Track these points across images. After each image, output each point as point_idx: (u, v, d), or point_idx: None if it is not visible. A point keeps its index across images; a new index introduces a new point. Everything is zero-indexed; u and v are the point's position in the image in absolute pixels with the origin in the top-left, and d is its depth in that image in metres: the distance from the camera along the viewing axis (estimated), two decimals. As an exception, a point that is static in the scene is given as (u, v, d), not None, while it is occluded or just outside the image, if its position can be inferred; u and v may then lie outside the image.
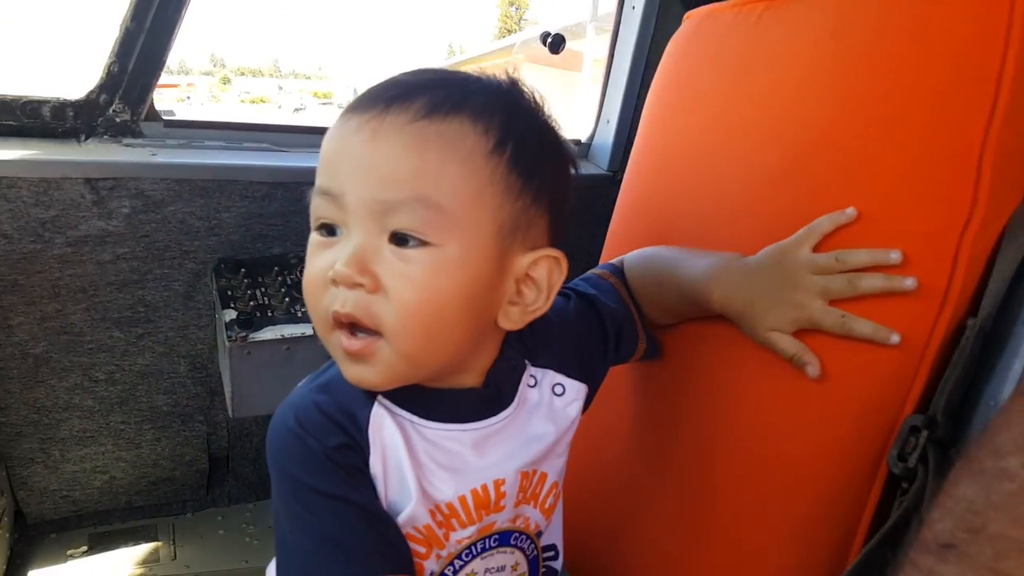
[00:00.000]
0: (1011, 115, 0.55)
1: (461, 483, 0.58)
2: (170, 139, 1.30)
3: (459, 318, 0.53)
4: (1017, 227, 0.56)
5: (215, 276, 1.26)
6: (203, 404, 1.42)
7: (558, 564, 0.71)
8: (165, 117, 1.32)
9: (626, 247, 0.80)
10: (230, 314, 1.17)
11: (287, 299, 1.22)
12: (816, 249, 0.61)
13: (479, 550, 0.61)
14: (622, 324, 0.72)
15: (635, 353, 0.74)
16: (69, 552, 1.36)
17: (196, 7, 1.23)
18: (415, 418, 0.57)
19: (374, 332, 0.52)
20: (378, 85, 0.55)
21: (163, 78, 1.29)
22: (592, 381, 0.69)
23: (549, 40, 1.49)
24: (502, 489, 0.60)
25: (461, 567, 0.61)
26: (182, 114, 1.31)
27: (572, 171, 0.61)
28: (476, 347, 0.58)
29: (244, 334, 1.13)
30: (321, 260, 0.53)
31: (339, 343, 0.53)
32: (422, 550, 0.58)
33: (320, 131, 1.44)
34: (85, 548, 1.37)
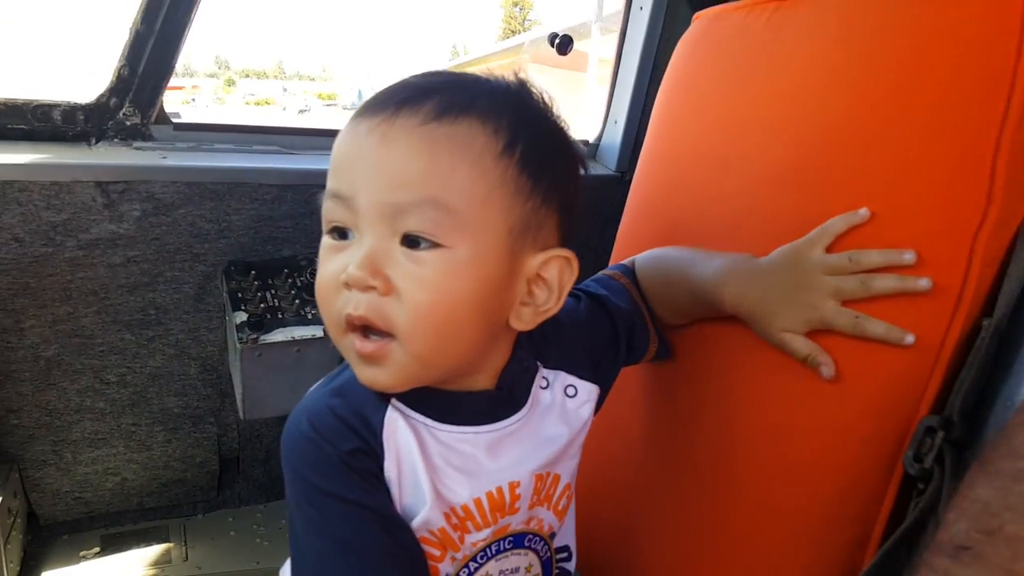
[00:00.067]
0: (1025, 114, 0.55)
1: (476, 486, 0.58)
2: (180, 142, 1.31)
3: (471, 319, 0.53)
4: (1032, 226, 0.56)
5: (225, 278, 1.27)
6: (214, 406, 1.42)
7: (571, 565, 0.71)
8: (174, 120, 1.32)
9: (636, 248, 0.79)
10: (241, 316, 1.17)
11: (297, 301, 1.23)
12: (829, 250, 0.61)
13: (493, 552, 0.62)
14: (633, 325, 0.72)
15: (647, 354, 0.74)
16: (82, 553, 1.37)
17: (202, 9, 1.23)
18: (429, 421, 0.57)
19: (387, 334, 0.52)
20: (387, 88, 0.55)
21: (168, 80, 1.30)
22: (604, 382, 0.69)
23: (557, 41, 1.49)
24: (517, 491, 0.60)
25: (476, 569, 0.61)
26: (187, 116, 1.32)
27: (581, 171, 0.61)
28: (488, 348, 0.58)
29: (255, 336, 1.14)
30: (333, 264, 0.53)
31: (352, 346, 0.53)
32: (437, 553, 0.58)
33: (329, 133, 1.45)
34: (98, 549, 1.38)
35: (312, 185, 1.28)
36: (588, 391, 0.66)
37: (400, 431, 0.56)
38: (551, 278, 0.57)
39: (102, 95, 1.24)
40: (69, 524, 1.40)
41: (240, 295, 1.22)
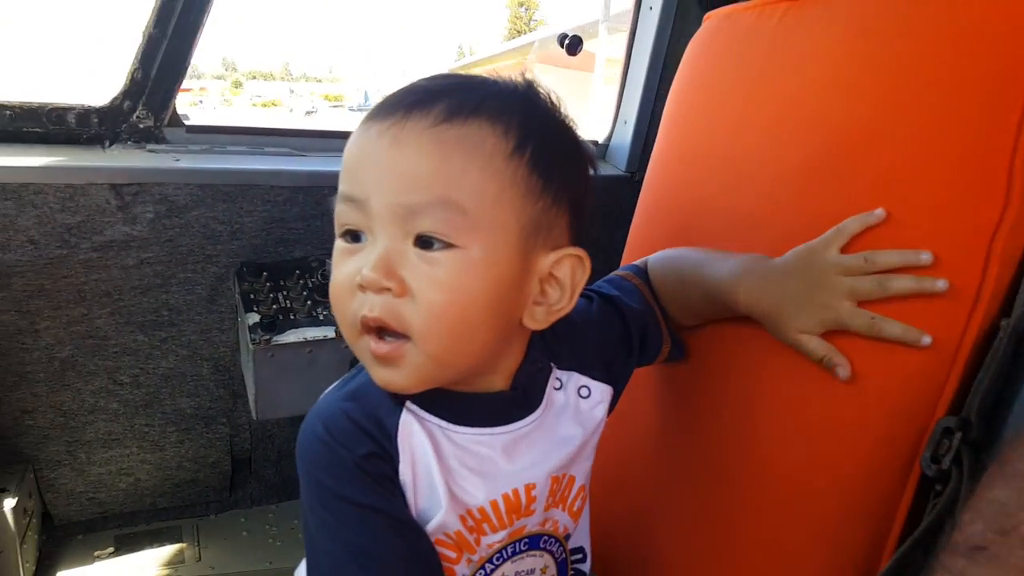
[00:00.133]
0: (1044, 114, 0.54)
1: (492, 488, 0.58)
2: (193, 144, 1.32)
3: (485, 319, 0.53)
4: (1051, 227, 0.56)
5: (237, 280, 1.27)
6: (226, 407, 1.43)
7: (586, 566, 0.71)
8: (186, 123, 1.33)
9: (648, 249, 0.79)
10: (253, 317, 1.18)
11: (309, 302, 1.23)
12: (844, 250, 0.61)
13: (509, 554, 0.62)
14: (646, 325, 0.72)
15: (660, 354, 0.74)
16: (96, 553, 1.38)
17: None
18: (444, 423, 0.58)
19: (402, 335, 0.52)
20: (397, 92, 0.55)
21: (177, 83, 1.30)
22: (617, 383, 0.69)
23: (567, 42, 1.49)
24: (533, 493, 0.60)
25: (492, 571, 0.61)
26: (195, 118, 1.33)
27: (591, 171, 0.61)
28: (502, 348, 0.58)
29: (268, 337, 1.14)
30: (347, 266, 0.53)
31: (367, 347, 0.53)
32: (452, 555, 0.58)
33: (339, 135, 1.46)
34: (112, 549, 1.39)
35: (323, 187, 1.29)
36: (602, 392, 0.66)
37: (415, 434, 0.56)
38: (563, 277, 0.57)
39: (115, 98, 1.25)
40: (83, 524, 1.42)
41: (252, 296, 1.23)
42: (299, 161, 1.35)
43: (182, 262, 1.28)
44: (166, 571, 1.36)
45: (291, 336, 1.16)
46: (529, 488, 0.60)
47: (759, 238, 0.70)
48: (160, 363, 1.35)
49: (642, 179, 0.98)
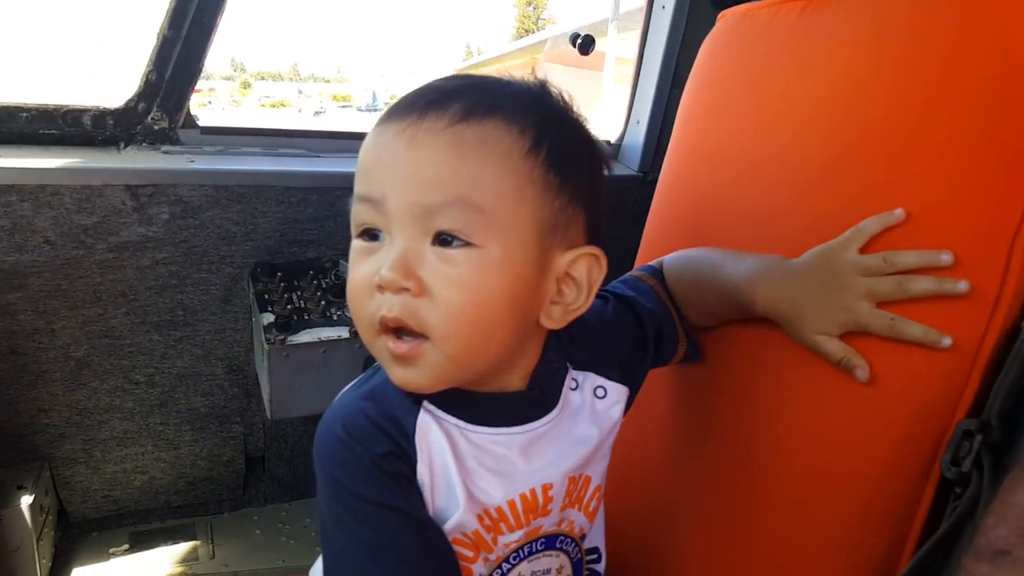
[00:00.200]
0: (1066, 113, 0.54)
1: (510, 487, 0.58)
2: (207, 146, 1.32)
3: (503, 318, 0.53)
4: (1072, 227, 0.55)
5: (251, 280, 1.28)
6: (240, 406, 1.44)
7: (601, 567, 0.71)
8: (200, 124, 1.34)
9: (663, 249, 0.79)
10: (268, 317, 1.19)
11: (323, 302, 1.24)
12: (863, 251, 0.61)
13: (526, 553, 0.62)
14: (661, 325, 0.72)
15: (675, 355, 0.74)
16: (111, 550, 1.40)
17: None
18: (461, 423, 0.58)
19: (420, 335, 0.52)
20: (412, 93, 0.56)
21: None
22: (633, 383, 0.69)
23: (579, 41, 1.49)
24: (550, 493, 0.60)
25: (508, 570, 0.61)
26: (204, 118, 1.34)
27: (606, 170, 0.61)
28: (520, 348, 0.58)
29: (282, 337, 1.15)
30: (365, 267, 0.53)
31: (385, 347, 0.53)
32: (469, 554, 0.59)
33: (353, 136, 1.46)
34: (127, 546, 1.41)
35: (336, 188, 1.29)
36: (617, 392, 0.66)
37: (432, 434, 0.57)
38: (580, 276, 0.57)
39: (130, 100, 1.26)
40: (98, 521, 1.43)
41: (266, 296, 1.24)
42: (313, 162, 1.36)
43: (197, 262, 1.29)
44: (180, 568, 1.37)
45: (305, 336, 1.17)
46: (546, 488, 0.60)
47: (776, 238, 0.70)
48: (175, 362, 1.36)
49: (655, 179, 0.98)
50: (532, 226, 0.53)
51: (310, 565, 0.72)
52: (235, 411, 1.44)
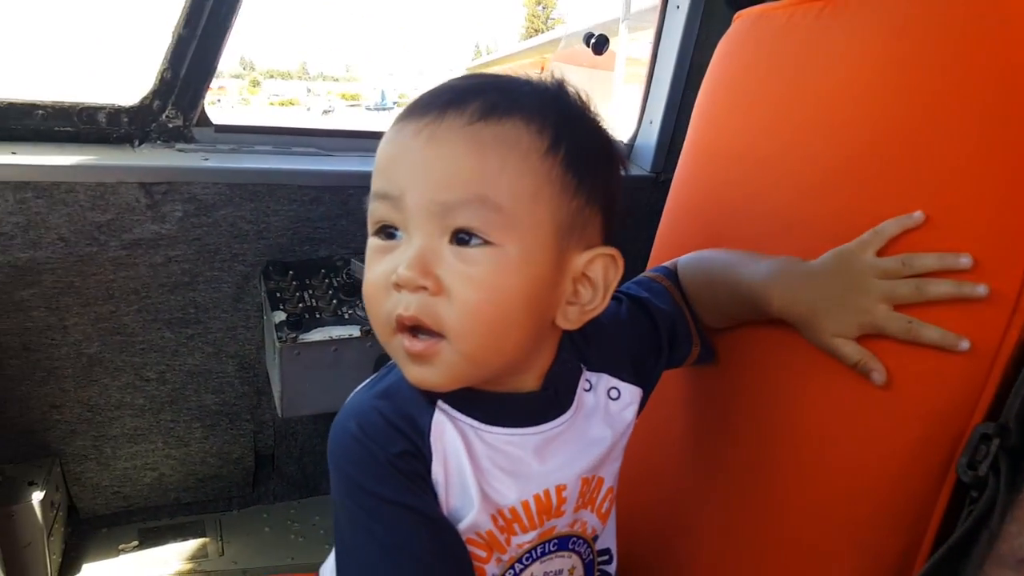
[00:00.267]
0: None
1: (524, 488, 0.58)
2: (221, 144, 1.33)
3: (520, 318, 0.53)
4: (1093, 231, 0.55)
5: (263, 278, 1.29)
6: (250, 403, 1.44)
7: (612, 568, 0.71)
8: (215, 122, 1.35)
9: (677, 250, 0.79)
10: (280, 315, 1.19)
11: (334, 301, 1.24)
12: (881, 253, 0.60)
13: (539, 554, 0.62)
14: (675, 326, 0.72)
15: (689, 356, 0.74)
16: (121, 546, 1.40)
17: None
18: (476, 423, 0.58)
19: (436, 334, 0.52)
20: (430, 91, 0.55)
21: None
22: (646, 385, 0.69)
23: (593, 41, 1.49)
24: (563, 495, 0.60)
25: (521, 570, 0.61)
26: (214, 117, 1.34)
27: (622, 171, 0.61)
28: (535, 348, 0.58)
29: (294, 335, 1.15)
30: (382, 265, 0.53)
31: (401, 345, 0.53)
32: (483, 554, 0.59)
33: (365, 135, 1.46)
34: (136, 543, 1.41)
35: (349, 187, 1.30)
36: (631, 393, 0.66)
37: (447, 433, 0.56)
38: (596, 276, 0.57)
39: (145, 98, 1.27)
40: (108, 518, 1.44)
41: (278, 295, 1.24)
42: (325, 161, 1.36)
43: (209, 260, 1.29)
44: (189, 565, 1.38)
45: (317, 335, 1.17)
46: (560, 489, 0.60)
47: (793, 240, 0.70)
48: (186, 360, 1.36)
49: (667, 180, 0.98)
50: (550, 226, 0.53)
51: (319, 563, 0.72)
52: (245, 409, 1.45)
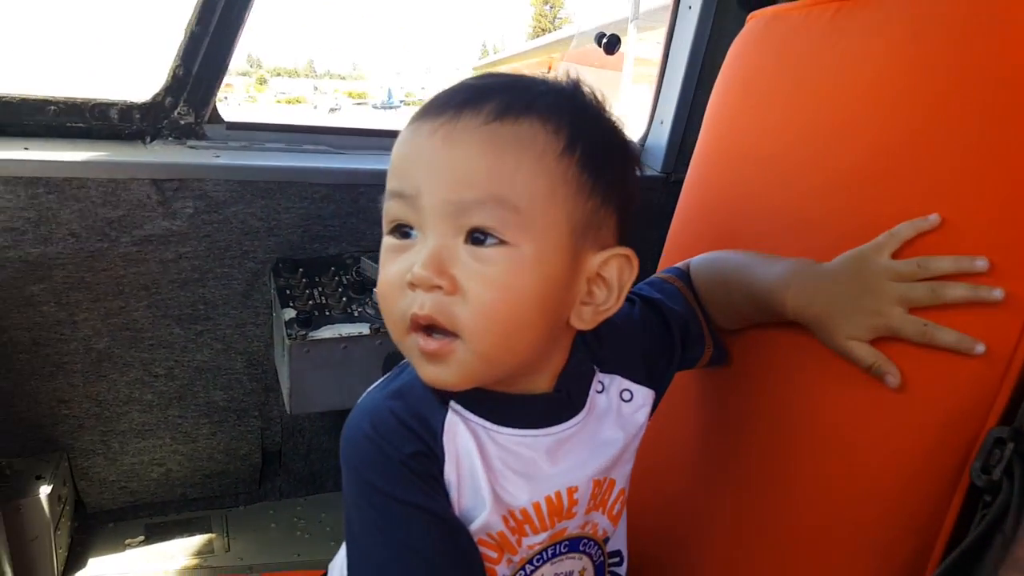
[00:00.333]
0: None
1: (535, 490, 0.58)
2: (232, 141, 1.33)
3: (534, 318, 0.53)
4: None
5: (273, 276, 1.29)
6: (258, 400, 1.45)
7: (622, 570, 0.71)
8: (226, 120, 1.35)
9: (689, 251, 0.79)
10: (289, 313, 1.19)
11: (344, 299, 1.24)
12: (896, 255, 0.60)
13: (549, 555, 0.62)
14: (688, 327, 0.72)
15: (702, 358, 0.74)
16: (127, 541, 1.41)
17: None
18: (488, 424, 0.57)
19: (451, 333, 0.52)
20: (446, 91, 0.55)
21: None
22: (659, 387, 0.68)
23: (604, 41, 1.48)
24: (575, 496, 0.60)
25: (532, 572, 0.61)
26: (222, 114, 1.35)
27: (637, 171, 0.61)
28: (549, 348, 0.58)
29: (303, 332, 1.16)
30: (397, 264, 0.53)
31: (415, 344, 0.53)
32: (494, 555, 0.58)
33: (376, 134, 1.47)
34: (142, 538, 1.42)
35: (360, 184, 1.30)
36: (643, 395, 0.66)
37: (460, 434, 0.56)
38: (611, 277, 0.57)
39: (157, 94, 1.27)
40: (115, 512, 1.44)
41: (288, 292, 1.24)
42: (336, 159, 1.37)
43: (219, 257, 1.30)
44: (195, 561, 1.38)
45: (326, 332, 1.17)
46: (571, 491, 0.60)
47: (807, 242, 0.70)
48: (195, 356, 1.37)
49: (678, 180, 0.98)
50: (565, 226, 0.53)
51: (325, 560, 0.72)
52: (253, 405, 1.45)
